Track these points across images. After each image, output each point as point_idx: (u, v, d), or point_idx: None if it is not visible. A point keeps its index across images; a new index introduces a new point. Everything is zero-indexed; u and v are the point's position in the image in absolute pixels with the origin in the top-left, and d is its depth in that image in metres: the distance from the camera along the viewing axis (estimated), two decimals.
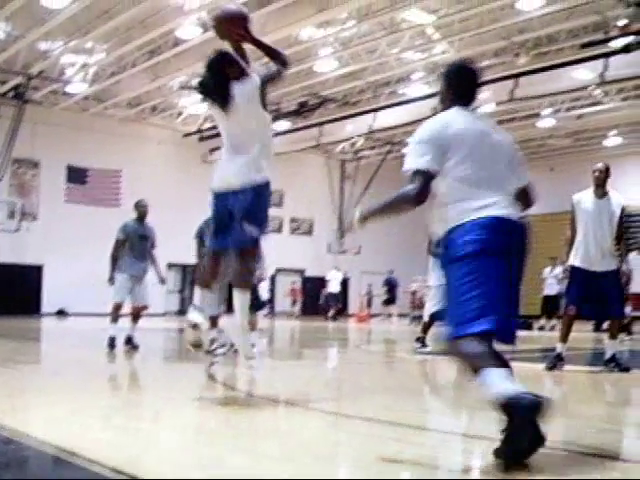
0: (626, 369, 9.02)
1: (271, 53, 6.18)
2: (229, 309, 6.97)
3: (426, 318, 12.27)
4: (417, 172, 4.18)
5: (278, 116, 26.62)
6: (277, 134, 28.31)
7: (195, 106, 27.97)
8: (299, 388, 7.25)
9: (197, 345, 6.32)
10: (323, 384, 8.15)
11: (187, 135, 30.28)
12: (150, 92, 26.89)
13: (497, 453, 3.75)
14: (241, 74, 6.12)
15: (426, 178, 4.17)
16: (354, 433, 4.94)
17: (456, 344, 4.06)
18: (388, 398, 6.02)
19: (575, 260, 9.06)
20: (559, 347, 9.07)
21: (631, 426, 5.84)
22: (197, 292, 6.33)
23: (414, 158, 4.22)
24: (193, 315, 6.15)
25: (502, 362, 3.90)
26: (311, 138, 28.76)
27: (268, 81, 6.13)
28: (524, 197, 4.50)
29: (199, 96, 6.38)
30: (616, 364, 9.02)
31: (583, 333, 11.78)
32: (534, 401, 3.68)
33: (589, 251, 9.00)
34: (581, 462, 4.04)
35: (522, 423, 3.67)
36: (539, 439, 3.69)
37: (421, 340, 12.09)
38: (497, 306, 4.06)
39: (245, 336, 6.28)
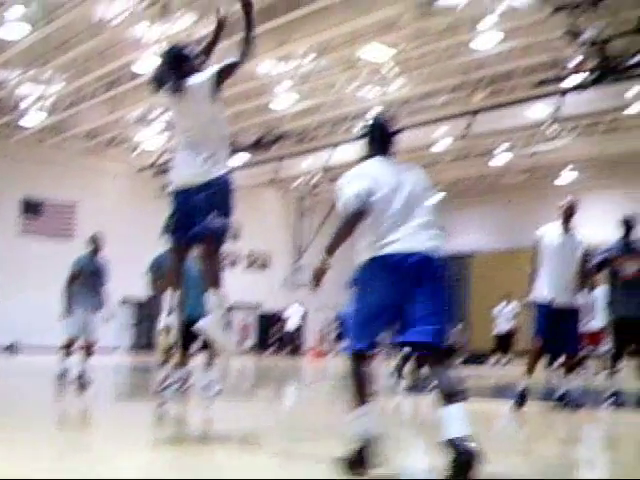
0: (578, 406, 9.06)
1: (249, 30, 6.17)
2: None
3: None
4: (355, 196, 4.89)
5: (235, 150, 26.62)
6: (234, 168, 28.31)
7: (150, 141, 27.92)
8: (250, 427, 7.17)
9: (169, 349, 6.26)
10: (274, 423, 8.11)
11: (141, 170, 30.14)
12: (107, 125, 26.78)
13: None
14: (195, 68, 6.16)
15: (363, 198, 4.87)
16: (305, 474, 4.88)
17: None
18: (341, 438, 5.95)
19: (540, 293, 9.10)
20: (524, 381, 9.08)
21: (582, 463, 5.86)
22: (165, 298, 6.26)
23: (348, 190, 4.95)
24: (166, 320, 6.14)
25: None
26: (268, 173, 28.80)
27: (225, 71, 6.03)
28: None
29: (157, 92, 6.33)
30: (569, 401, 9.06)
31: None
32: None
33: (555, 285, 9.05)
34: None
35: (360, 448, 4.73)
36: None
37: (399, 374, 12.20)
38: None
39: (225, 331, 6.11)
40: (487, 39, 18.95)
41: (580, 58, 18.95)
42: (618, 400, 9.50)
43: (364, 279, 4.99)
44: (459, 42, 19.55)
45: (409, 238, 4.87)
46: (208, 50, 6.48)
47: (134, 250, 24.57)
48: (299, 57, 20.75)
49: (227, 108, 19.66)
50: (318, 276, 5.08)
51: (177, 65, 6.14)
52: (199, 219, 6.04)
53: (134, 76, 22.09)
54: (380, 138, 5.34)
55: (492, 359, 24.06)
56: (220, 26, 6.48)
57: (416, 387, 11.97)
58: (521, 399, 8.99)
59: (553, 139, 26.57)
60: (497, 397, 12.27)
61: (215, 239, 6.18)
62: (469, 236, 35.91)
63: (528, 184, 32.83)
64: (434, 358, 4.78)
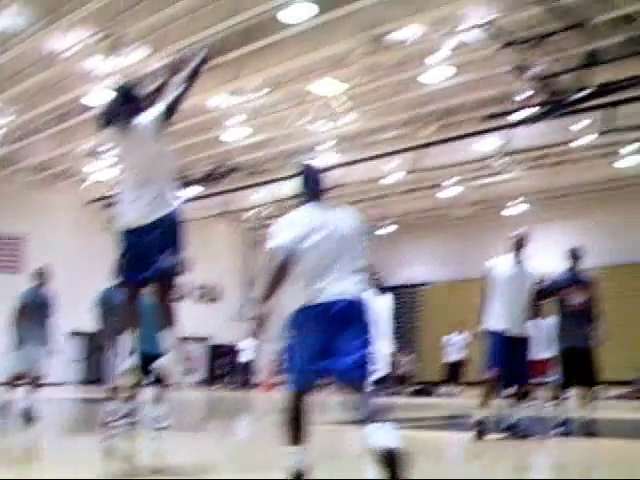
0: (526, 436, 9.15)
1: (195, 73, 6.27)
2: None
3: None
4: (282, 246, 5.26)
5: (186, 183, 26.59)
6: (185, 201, 28.23)
7: (99, 173, 27.77)
8: (199, 460, 7.13)
9: (137, 385, 6.25)
10: (223, 456, 8.08)
11: (90, 202, 29.91)
12: (57, 157, 26.59)
13: None
14: (144, 107, 6.23)
15: (290, 248, 5.23)
16: None
17: None
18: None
19: (493, 323, 9.19)
20: (481, 412, 9.12)
21: None
22: (121, 341, 6.27)
23: (277, 239, 5.32)
24: (129, 361, 6.15)
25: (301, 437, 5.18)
26: (219, 205, 28.81)
27: (171, 108, 6.12)
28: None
29: (105, 129, 6.34)
30: (518, 430, 9.13)
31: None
32: None
33: (507, 315, 9.16)
34: None
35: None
36: None
37: None
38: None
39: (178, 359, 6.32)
40: (437, 74, 19.19)
41: (528, 93, 19.29)
42: (566, 428, 9.61)
43: (296, 325, 5.33)
44: (409, 77, 19.76)
45: (335, 285, 5.20)
46: (160, 90, 6.52)
47: (82, 283, 24.35)
48: (250, 91, 20.80)
49: (178, 141, 19.70)
50: (260, 324, 5.32)
51: (127, 103, 6.22)
52: (151, 259, 6.11)
53: (84, 109, 21.98)
54: (312, 185, 5.68)
55: (442, 389, 24.16)
56: (174, 69, 6.48)
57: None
58: (481, 430, 9.03)
59: (502, 172, 26.94)
60: (448, 428, 12.33)
61: (168, 278, 6.29)
62: (420, 267, 36.16)
63: (478, 216, 33.16)
64: (356, 388, 5.10)
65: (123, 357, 6.24)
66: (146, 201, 6.07)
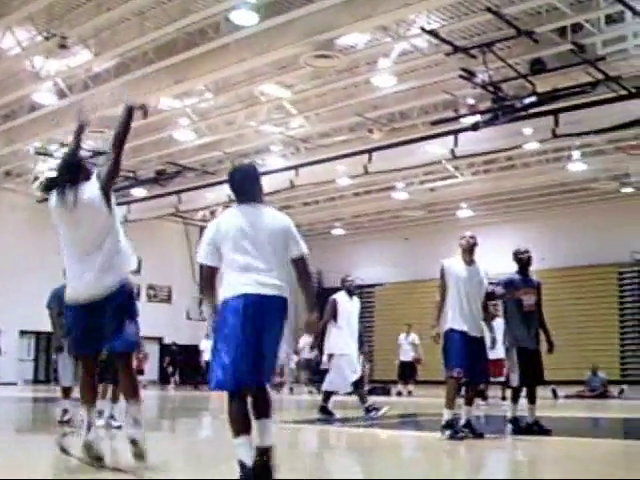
0: (480, 435, 9.23)
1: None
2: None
3: (330, 388, 12.74)
4: (201, 265, 5.61)
5: (135, 183, 26.48)
6: (134, 201, 28.12)
7: (51, 172, 27.49)
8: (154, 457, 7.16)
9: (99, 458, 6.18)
10: (181, 455, 8.08)
11: (42, 201, 29.61)
12: (6, 156, 26.26)
13: None
14: (87, 177, 6.22)
15: (206, 269, 5.58)
16: None
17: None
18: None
19: (453, 323, 9.21)
20: (447, 414, 9.17)
21: None
22: (84, 412, 6.26)
23: (200, 254, 5.60)
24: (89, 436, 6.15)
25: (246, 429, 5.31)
26: (169, 206, 28.68)
27: (108, 179, 6.16)
28: (299, 266, 5.71)
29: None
30: (471, 430, 9.21)
31: (434, 398, 12.14)
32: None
33: (465, 315, 9.22)
34: None
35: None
36: None
37: (326, 410, 12.31)
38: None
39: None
40: (385, 79, 19.26)
41: (475, 99, 19.47)
42: (519, 427, 9.72)
43: (221, 323, 5.46)
44: (358, 82, 19.84)
45: (256, 282, 5.40)
46: (119, 143, 6.35)
47: (34, 282, 24.19)
48: (198, 93, 20.76)
49: (128, 141, 19.47)
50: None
51: (73, 175, 6.19)
52: (107, 331, 6.09)
53: (32, 108, 21.80)
54: (242, 187, 5.80)
55: (396, 388, 24.27)
56: (129, 115, 6.40)
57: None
58: (455, 431, 9.04)
59: (450, 177, 27.20)
60: (404, 427, 12.43)
61: (131, 350, 6.34)
62: (373, 268, 36.29)
63: (429, 218, 33.45)
64: (258, 394, 5.48)
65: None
66: (94, 275, 6.02)
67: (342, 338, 12.58)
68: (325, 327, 12.63)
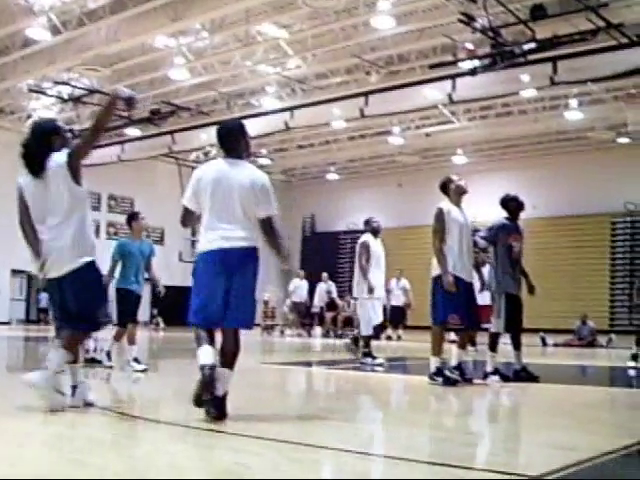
0: (469, 380, 9.28)
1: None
2: None
3: (368, 332, 12.53)
4: (185, 197, 6.16)
5: (129, 123, 26.25)
6: (128, 141, 27.93)
7: (45, 110, 27.28)
8: (143, 400, 7.18)
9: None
10: (171, 395, 8.17)
11: None
12: None
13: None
14: (63, 145, 6.29)
15: (185, 210, 6.21)
16: (196, 445, 5.16)
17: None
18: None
19: (453, 269, 9.10)
20: (435, 361, 9.15)
21: (468, 435, 6.07)
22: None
23: (184, 196, 6.17)
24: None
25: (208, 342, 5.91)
26: (163, 146, 28.47)
27: (76, 154, 6.13)
28: (265, 227, 6.14)
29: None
30: (461, 373, 9.25)
31: (423, 343, 12.23)
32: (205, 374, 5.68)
33: (462, 260, 9.19)
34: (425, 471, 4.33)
35: (200, 381, 5.71)
36: (215, 401, 5.74)
37: (369, 354, 12.29)
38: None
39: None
40: (383, 21, 19.06)
41: (474, 44, 19.28)
42: (508, 373, 9.78)
43: (195, 270, 6.35)
44: (356, 23, 19.62)
45: (221, 238, 5.97)
46: (96, 128, 6.32)
47: None
48: (194, 32, 20.50)
49: (122, 80, 19.25)
50: None
51: (41, 142, 6.33)
52: (75, 308, 6.18)
53: (25, 44, 21.50)
54: (225, 142, 6.26)
55: (386, 333, 24.40)
56: (112, 105, 6.27)
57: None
58: (447, 378, 9.02)
59: (447, 122, 27.05)
60: (392, 370, 12.51)
61: (94, 328, 6.59)
62: (365, 214, 36.16)
63: (423, 164, 33.36)
64: (226, 337, 6.06)
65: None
66: (58, 252, 6.13)
67: (374, 280, 12.43)
68: (360, 269, 12.52)
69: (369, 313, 12.50)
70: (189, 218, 6.30)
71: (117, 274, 10.36)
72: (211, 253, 5.99)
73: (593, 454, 4.80)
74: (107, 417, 6.21)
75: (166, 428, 5.78)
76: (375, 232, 12.73)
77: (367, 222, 12.95)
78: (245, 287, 6.03)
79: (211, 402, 5.76)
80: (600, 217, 30.24)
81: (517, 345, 9.95)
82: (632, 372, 11.81)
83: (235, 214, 6.00)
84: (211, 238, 6.00)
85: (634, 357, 12.10)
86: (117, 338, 10.36)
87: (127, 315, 10.22)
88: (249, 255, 6.05)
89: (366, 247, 12.50)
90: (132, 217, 10.89)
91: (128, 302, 10.27)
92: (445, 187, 9.60)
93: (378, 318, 12.69)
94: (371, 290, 12.24)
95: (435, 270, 9.25)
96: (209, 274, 5.98)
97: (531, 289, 10.09)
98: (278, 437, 5.18)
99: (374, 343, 12.86)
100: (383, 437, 5.97)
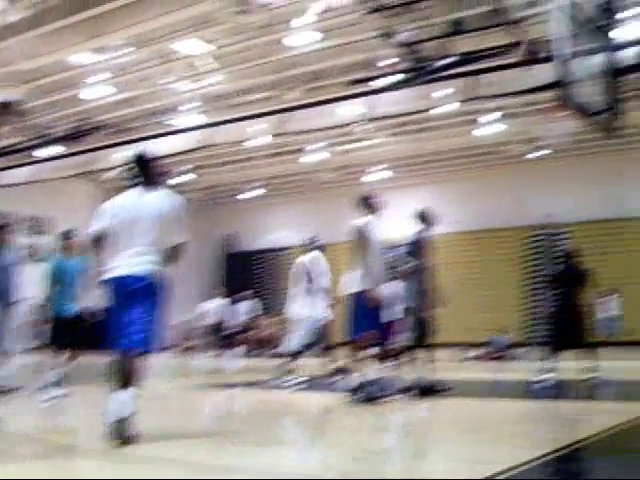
0: (387, 395, 9.35)
1: None
2: None
3: (296, 348, 12.61)
4: (94, 227, 6.42)
5: (48, 141, 25.83)
6: (46, 160, 27.45)
7: None
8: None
9: None
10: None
11: None
12: None
13: None
14: None
15: (96, 233, 6.43)
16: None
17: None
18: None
19: (365, 284, 9.16)
20: (354, 377, 9.21)
21: (383, 453, 6.12)
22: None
23: (96, 221, 6.45)
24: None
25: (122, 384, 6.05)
26: (83, 164, 28.08)
27: None
28: (174, 253, 6.49)
29: None
30: (378, 389, 9.29)
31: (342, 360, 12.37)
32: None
33: (380, 276, 9.24)
34: None
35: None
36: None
37: (291, 372, 12.38)
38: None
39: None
40: (303, 37, 19.16)
41: (393, 59, 19.50)
42: (421, 389, 9.86)
43: (108, 295, 6.43)
44: (275, 39, 19.66)
45: (127, 264, 6.28)
46: None
47: None
48: (114, 49, 20.29)
49: (40, 98, 18.95)
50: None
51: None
52: None
53: None
54: (138, 171, 6.61)
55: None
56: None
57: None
58: (365, 393, 9.08)
59: (365, 138, 27.29)
60: (311, 389, 12.49)
61: None
62: (285, 230, 36.36)
63: (342, 181, 33.50)
64: (132, 356, 6.19)
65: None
66: None
67: (318, 299, 12.38)
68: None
69: (304, 331, 12.51)
70: (99, 245, 6.49)
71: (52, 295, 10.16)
72: (118, 279, 6.28)
73: (507, 466, 4.91)
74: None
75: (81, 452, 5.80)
76: (321, 249, 12.73)
77: (311, 240, 12.95)
78: (150, 312, 6.28)
79: (117, 427, 5.90)
80: (515, 230, 30.77)
81: (430, 359, 10.06)
82: (546, 384, 11.97)
83: (144, 241, 6.32)
84: (117, 264, 6.31)
85: (548, 370, 12.24)
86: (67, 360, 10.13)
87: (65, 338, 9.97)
88: (154, 281, 6.33)
89: (304, 266, 12.51)
90: (66, 235, 10.70)
91: (64, 324, 10.04)
92: (364, 203, 9.66)
93: (308, 337, 12.67)
94: (314, 309, 12.22)
95: (353, 287, 9.30)
96: (120, 298, 6.26)
97: (443, 302, 10.24)
98: (187, 459, 5.15)
99: (299, 362, 12.86)
100: (298, 457, 5.99)
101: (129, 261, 6.25)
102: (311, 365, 13.63)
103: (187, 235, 6.55)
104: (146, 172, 6.60)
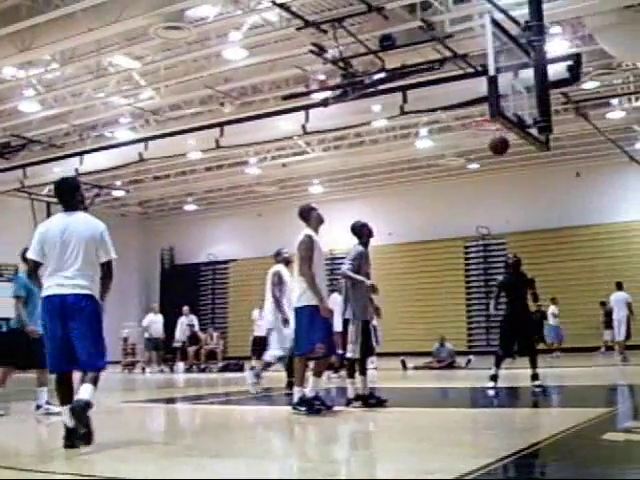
0: (330, 407, 9.37)
1: None
2: None
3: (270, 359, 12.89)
4: (29, 259, 7.09)
5: None
6: None
7: None
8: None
9: None
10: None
11: None
12: None
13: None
14: None
15: (32, 262, 7.03)
16: None
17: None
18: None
19: (311, 299, 9.21)
20: (298, 391, 9.27)
21: (331, 463, 6.13)
22: None
23: (30, 250, 7.00)
24: None
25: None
26: (15, 180, 27.74)
27: None
28: (105, 270, 6.97)
29: None
30: (321, 402, 9.31)
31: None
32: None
33: (323, 288, 9.34)
34: None
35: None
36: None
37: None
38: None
39: None
40: (235, 52, 19.10)
41: (325, 74, 19.59)
42: (362, 400, 9.91)
43: (42, 314, 6.95)
44: (208, 54, 19.58)
45: (58, 285, 6.73)
46: None
47: None
48: (44, 63, 20.03)
49: None
50: None
51: None
52: None
53: None
54: (63, 196, 7.11)
55: (250, 364, 24.33)
56: None
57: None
58: (311, 405, 9.16)
59: (302, 152, 27.38)
60: (254, 403, 12.48)
61: None
62: (225, 245, 36.33)
63: (280, 194, 33.57)
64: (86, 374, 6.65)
65: None
66: None
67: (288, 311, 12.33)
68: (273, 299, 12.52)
69: (277, 344, 12.57)
70: (37, 269, 7.06)
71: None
72: (50, 298, 6.73)
73: (450, 477, 4.92)
74: None
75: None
76: (287, 262, 12.67)
77: (278, 253, 12.92)
78: (86, 330, 6.70)
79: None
80: (453, 241, 31.11)
81: (364, 371, 10.15)
82: (491, 392, 12.09)
83: (76, 262, 6.77)
84: (49, 284, 6.77)
85: (493, 378, 12.35)
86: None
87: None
88: (86, 300, 6.74)
89: (279, 277, 12.48)
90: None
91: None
92: (305, 214, 9.70)
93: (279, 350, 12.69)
94: (286, 321, 12.15)
95: (300, 300, 9.31)
96: (50, 319, 6.73)
97: (377, 311, 10.40)
98: (134, 476, 5.11)
99: (237, 375, 12.90)
100: (246, 470, 5.94)
101: (61, 281, 6.68)
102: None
103: (113, 253, 7.00)
104: (68, 197, 7.08)
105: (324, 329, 9.25)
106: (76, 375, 6.72)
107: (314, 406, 9.12)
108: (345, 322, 10.20)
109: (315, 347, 9.18)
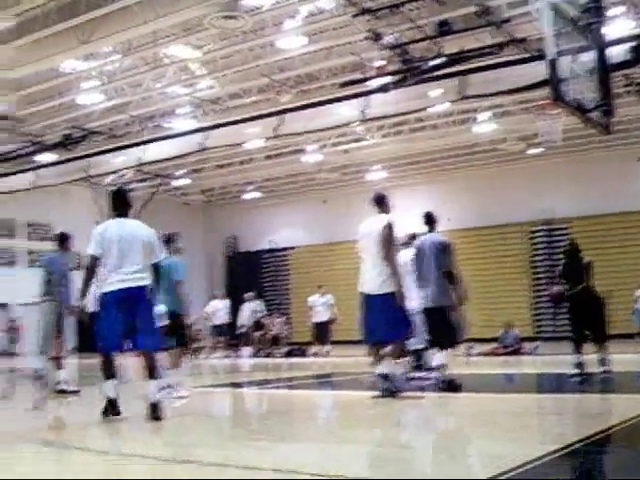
0: (400, 391, 9.36)
1: None
2: None
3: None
4: (91, 249, 8.13)
5: (42, 148, 25.84)
6: (42, 166, 27.47)
7: None
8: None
9: None
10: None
11: None
12: None
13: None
14: None
15: (93, 259, 8.11)
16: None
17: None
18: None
19: (394, 284, 9.26)
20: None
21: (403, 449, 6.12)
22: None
23: (90, 245, 8.14)
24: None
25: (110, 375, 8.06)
26: (78, 170, 28.09)
27: None
28: (154, 269, 8.22)
29: None
30: (394, 386, 9.30)
31: (348, 358, 12.32)
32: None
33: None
34: None
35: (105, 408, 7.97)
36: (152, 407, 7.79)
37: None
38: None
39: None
40: (291, 41, 19.10)
41: (383, 61, 19.45)
42: (438, 384, 9.91)
43: (102, 304, 8.00)
44: (265, 43, 19.60)
45: (121, 280, 7.91)
46: None
47: None
48: (104, 55, 20.25)
49: (33, 105, 18.99)
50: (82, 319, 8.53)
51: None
52: None
53: None
54: (117, 205, 8.37)
55: (312, 349, 24.45)
56: None
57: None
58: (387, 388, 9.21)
59: (362, 138, 27.27)
60: (321, 387, 12.53)
61: None
62: (288, 231, 36.42)
63: (341, 181, 33.51)
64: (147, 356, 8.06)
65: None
66: None
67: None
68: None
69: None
70: (96, 266, 8.07)
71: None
72: (116, 292, 7.86)
73: (520, 462, 4.87)
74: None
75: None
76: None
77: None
78: (148, 316, 8.00)
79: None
80: (518, 226, 30.75)
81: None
82: (576, 379, 11.64)
83: (136, 261, 7.97)
84: (114, 280, 7.89)
85: (577, 365, 11.91)
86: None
87: None
88: (146, 291, 8.00)
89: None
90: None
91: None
92: (380, 201, 9.69)
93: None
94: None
95: (388, 286, 9.24)
96: (116, 308, 7.82)
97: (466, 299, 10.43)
98: (206, 460, 5.18)
99: (301, 360, 12.94)
100: (322, 456, 5.93)
101: (123, 277, 7.89)
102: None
103: (161, 255, 8.43)
104: (120, 207, 8.34)
105: (407, 315, 9.44)
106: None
107: (391, 389, 9.20)
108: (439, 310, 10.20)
109: (408, 331, 9.49)
